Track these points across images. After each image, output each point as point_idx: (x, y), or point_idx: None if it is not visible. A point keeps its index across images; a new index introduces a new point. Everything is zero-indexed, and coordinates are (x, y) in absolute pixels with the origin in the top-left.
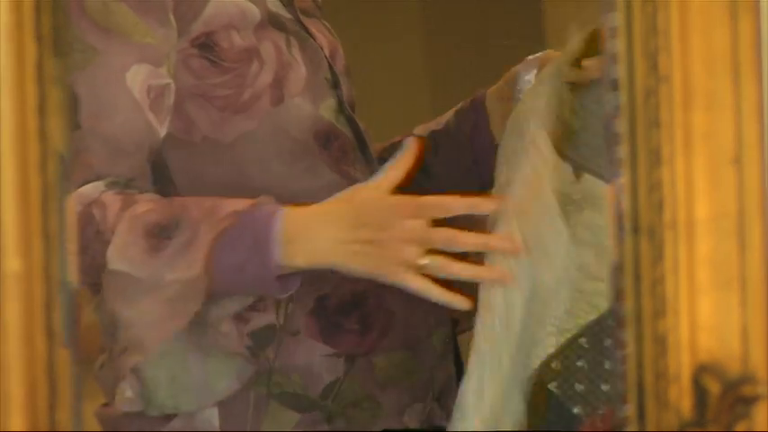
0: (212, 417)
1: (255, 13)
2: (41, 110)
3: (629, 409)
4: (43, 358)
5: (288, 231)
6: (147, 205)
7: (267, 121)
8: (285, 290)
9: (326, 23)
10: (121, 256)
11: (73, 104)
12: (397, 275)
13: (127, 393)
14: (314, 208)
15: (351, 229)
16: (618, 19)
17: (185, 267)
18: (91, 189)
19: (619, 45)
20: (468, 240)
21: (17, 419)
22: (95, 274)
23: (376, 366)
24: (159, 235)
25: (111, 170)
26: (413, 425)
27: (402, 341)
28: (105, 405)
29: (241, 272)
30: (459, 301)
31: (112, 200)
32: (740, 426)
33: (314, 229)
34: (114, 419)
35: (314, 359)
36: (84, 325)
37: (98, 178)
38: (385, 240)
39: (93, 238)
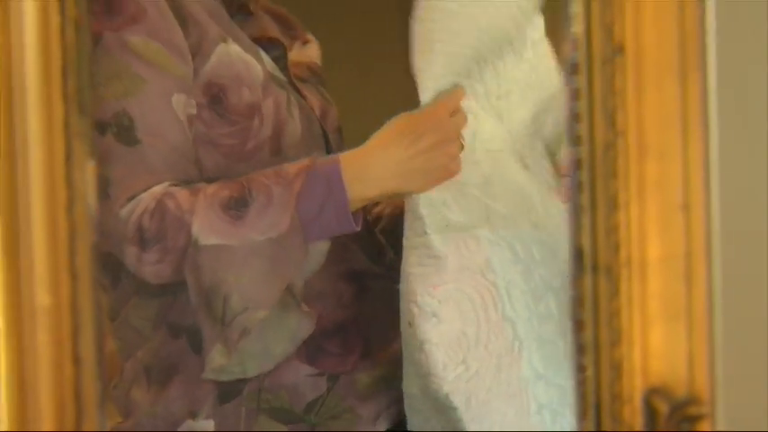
0: (208, 427)
1: (260, 71)
2: (68, 160)
3: (588, 426)
4: (71, 381)
5: (352, 171)
6: (215, 186)
7: (265, 167)
8: (358, 225)
9: (322, 89)
10: (209, 231)
11: (129, 123)
12: (455, 171)
13: (217, 361)
14: (369, 145)
15: (411, 144)
16: (579, 81)
17: (270, 226)
18: (158, 188)
19: (581, 105)
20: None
21: None
22: (179, 256)
23: (358, 382)
24: (236, 206)
25: (171, 176)
26: (383, 428)
27: (382, 359)
28: (120, 422)
29: (321, 216)
30: None
31: (180, 190)
32: None
33: (374, 163)
34: None
35: (299, 379)
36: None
37: (159, 183)
38: (442, 141)
39: (172, 224)
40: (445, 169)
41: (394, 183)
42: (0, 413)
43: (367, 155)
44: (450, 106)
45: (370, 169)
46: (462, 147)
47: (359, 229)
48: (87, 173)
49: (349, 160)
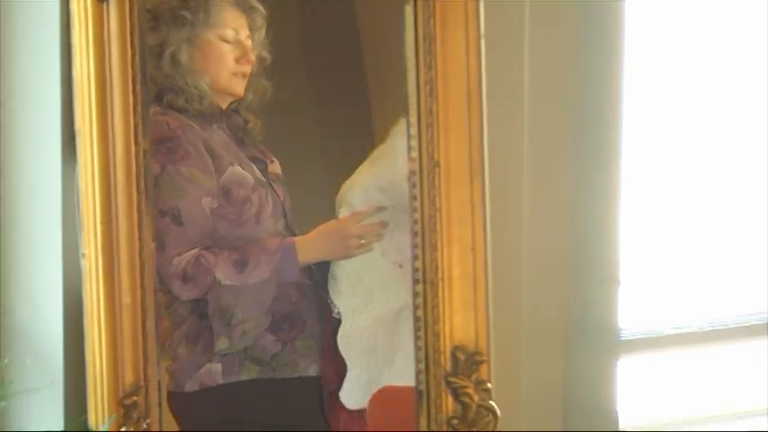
0: (216, 370)
1: (251, 178)
2: (140, 225)
3: (421, 367)
4: (142, 343)
5: (300, 248)
6: (227, 252)
7: (252, 229)
8: (297, 274)
9: (283, 186)
10: (225, 276)
11: (178, 213)
12: (354, 252)
13: (221, 347)
14: (310, 235)
15: (331, 237)
16: (416, 181)
17: (259, 276)
18: (194, 251)
19: (417, 192)
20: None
21: (129, 374)
22: (205, 289)
23: (296, 346)
24: (240, 264)
25: (200, 244)
26: (313, 373)
27: (310, 334)
28: (170, 364)
29: (283, 270)
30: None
31: (207, 253)
32: (474, 376)
33: (312, 245)
34: (173, 370)
35: (267, 342)
36: (162, 328)
37: (194, 247)
38: (347, 238)
39: (203, 271)
40: (347, 252)
41: (321, 255)
42: (104, 364)
43: (308, 240)
44: (354, 219)
45: (309, 248)
46: (361, 243)
47: (298, 276)
48: (150, 233)
49: (299, 242)
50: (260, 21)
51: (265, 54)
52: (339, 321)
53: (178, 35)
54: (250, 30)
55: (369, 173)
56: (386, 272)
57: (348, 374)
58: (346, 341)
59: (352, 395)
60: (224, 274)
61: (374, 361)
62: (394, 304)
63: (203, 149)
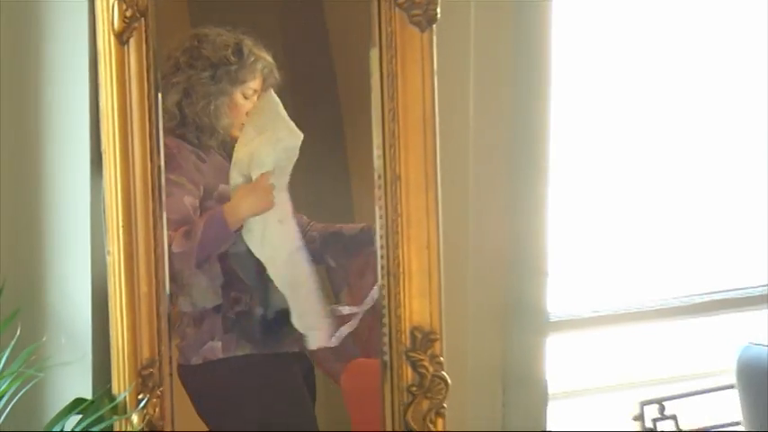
0: (217, 347)
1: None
2: (155, 229)
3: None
4: (156, 325)
5: (228, 210)
6: (183, 227)
7: None
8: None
9: None
10: (177, 246)
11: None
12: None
13: (183, 304)
14: (236, 197)
15: (254, 195)
16: (383, 191)
17: (197, 239)
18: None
19: (381, 195)
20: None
21: (146, 350)
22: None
23: (283, 329)
24: (187, 234)
25: (184, 224)
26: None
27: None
28: (179, 342)
29: (218, 233)
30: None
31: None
32: (429, 351)
33: (240, 205)
34: (182, 347)
35: (256, 325)
36: (173, 312)
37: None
38: (268, 191)
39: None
40: (271, 204)
41: (251, 212)
42: (125, 342)
43: (235, 202)
44: (267, 177)
45: (238, 209)
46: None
47: (234, 232)
48: (163, 234)
49: (227, 206)
50: (272, 81)
51: None
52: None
53: (215, 88)
54: (263, 88)
55: (272, 138)
56: (274, 227)
57: (291, 311)
58: (276, 281)
59: (307, 328)
60: (176, 243)
61: (302, 292)
62: (287, 250)
63: (193, 166)
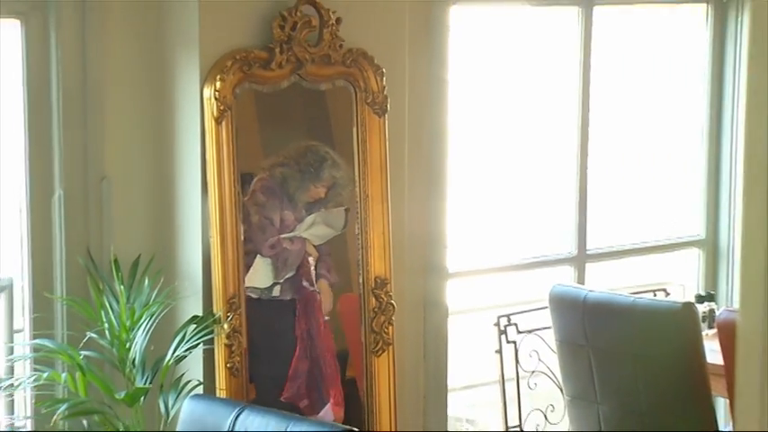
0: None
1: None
2: (236, 226)
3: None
4: (236, 276)
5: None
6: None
7: None
8: None
9: None
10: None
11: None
12: None
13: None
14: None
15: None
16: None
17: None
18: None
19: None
20: None
21: (231, 288)
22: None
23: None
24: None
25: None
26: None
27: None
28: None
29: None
30: None
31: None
32: (385, 289)
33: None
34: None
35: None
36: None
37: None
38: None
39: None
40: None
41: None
42: (219, 283)
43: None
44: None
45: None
46: None
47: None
48: (240, 230)
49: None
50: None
51: None
52: None
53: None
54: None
55: (326, 230)
56: (320, 228)
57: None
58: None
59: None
60: (265, 248)
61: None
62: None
63: (278, 203)
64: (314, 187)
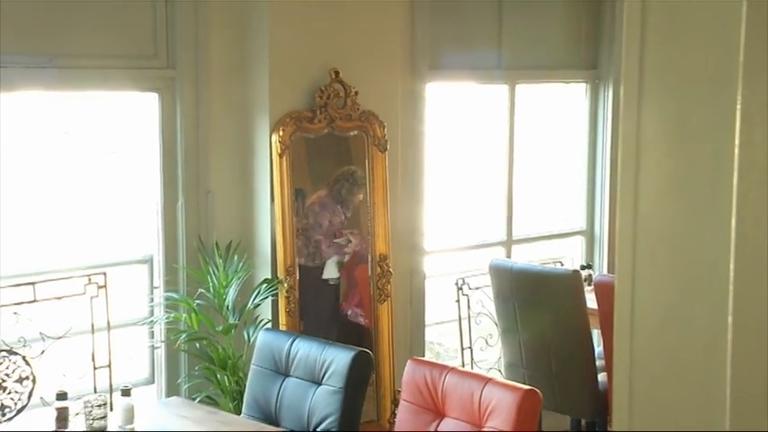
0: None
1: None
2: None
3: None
4: (291, 250)
5: None
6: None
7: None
8: None
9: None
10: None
11: (319, 225)
12: None
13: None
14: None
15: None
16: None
17: None
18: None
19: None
20: None
21: (288, 259)
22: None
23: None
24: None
25: (329, 232)
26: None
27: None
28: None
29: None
30: None
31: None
32: (386, 262)
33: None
34: (303, 262)
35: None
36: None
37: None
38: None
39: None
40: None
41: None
42: (281, 258)
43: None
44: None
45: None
46: None
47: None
48: (295, 227)
49: None
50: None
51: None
52: None
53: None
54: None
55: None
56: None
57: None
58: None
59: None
60: (324, 241)
61: None
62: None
63: (331, 211)
64: (358, 192)
